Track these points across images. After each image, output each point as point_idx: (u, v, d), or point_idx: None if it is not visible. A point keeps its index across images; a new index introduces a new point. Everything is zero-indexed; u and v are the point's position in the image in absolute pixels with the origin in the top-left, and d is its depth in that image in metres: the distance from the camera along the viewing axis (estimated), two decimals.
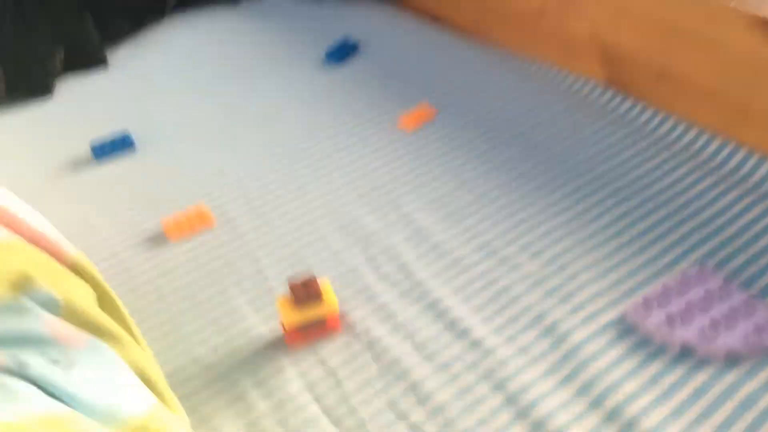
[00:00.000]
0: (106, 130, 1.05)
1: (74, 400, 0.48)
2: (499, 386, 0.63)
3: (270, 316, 0.73)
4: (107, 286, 0.60)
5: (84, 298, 0.60)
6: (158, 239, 0.85)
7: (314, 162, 0.95)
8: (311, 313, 0.67)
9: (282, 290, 0.75)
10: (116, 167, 0.99)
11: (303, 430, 0.61)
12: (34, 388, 0.46)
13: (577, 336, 0.66)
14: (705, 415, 0.58)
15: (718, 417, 0.58)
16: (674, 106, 0.92)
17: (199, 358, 0.69)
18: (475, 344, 0.67)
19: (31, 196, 0.64)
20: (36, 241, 0.62)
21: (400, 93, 1.07)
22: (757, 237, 0.74)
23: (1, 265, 0.55)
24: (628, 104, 0.97)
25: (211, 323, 0.73)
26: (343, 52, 1.18)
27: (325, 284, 0.69)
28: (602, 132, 0.93)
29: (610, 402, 0.60)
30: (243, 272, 0.79)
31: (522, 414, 0.60)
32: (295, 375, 0.66)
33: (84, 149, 1.02)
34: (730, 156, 0.85)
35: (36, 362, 0.49)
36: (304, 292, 0.66)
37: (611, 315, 0.68)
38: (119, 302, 0.60)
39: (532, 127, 0.96)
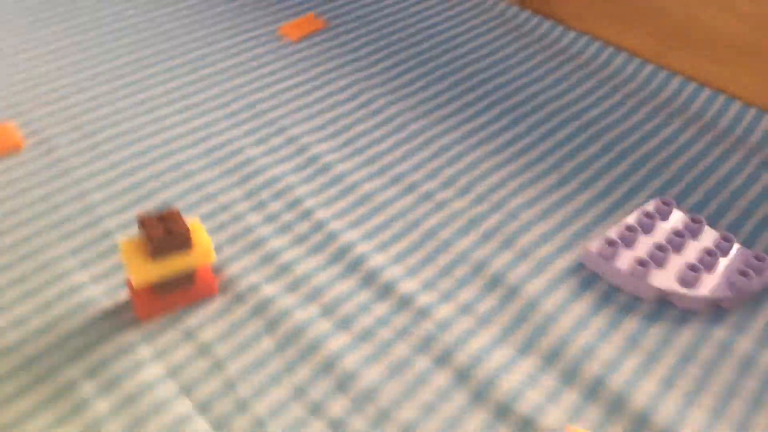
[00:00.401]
0: None
1: None
2: (442, 359, 0.47)
3: (107, 273, 0.51)
4: None
5: None
6: None
7: (165, 70, 0.72)
8: (174, 265, 0.46)
9: (126, 234, 0.53)
10: None
11: None
12: None
13: (530, 289, 0.52)
14: (703, 380, 0.46)
15: (717, 383, 0.46)
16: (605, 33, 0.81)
17: (2, 332, 0.46)
18: (404, 303, 0.50)
19: None
20: None
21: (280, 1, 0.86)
22: (709, 171, 0.64)
23: None
24: (548, 24, 0.83)
25: (18, 282, 0.49)
26: None
27: (195, 224, 0.48)
28: (523, 52, 0.79)
29: (588, 372, 0.46)
30: (63, 211, 0.55)
31: (480, 395, 0.44)
32: (150, 356, 0.45)
33: None
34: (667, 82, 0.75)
35: None
36: (164, 233, 0.45)
37: (566, 261, 0.54)
38: None
39: (443, 44, 0.80)
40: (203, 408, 0.43)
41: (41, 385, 0.43)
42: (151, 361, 0.45)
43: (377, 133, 0.66)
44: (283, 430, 0.42)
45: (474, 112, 0.69)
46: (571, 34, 0.80)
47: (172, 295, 0.48)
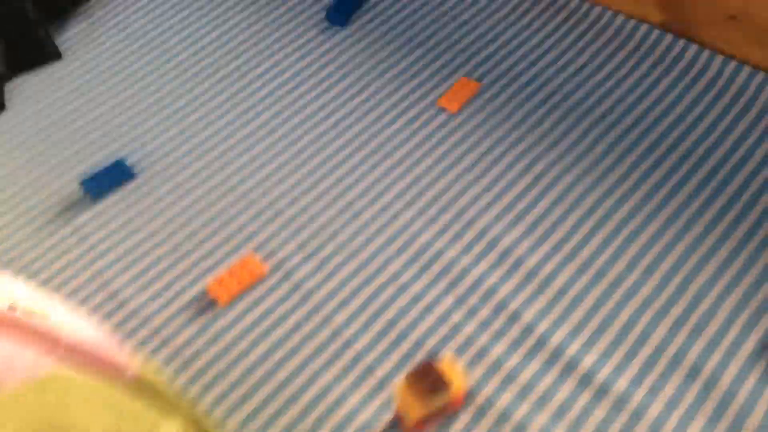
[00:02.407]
0: (88, 149, 0.85)
1: None
2: None
3: (366, 399, 0.64)
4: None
5: None
6: (207, 305, 0.71)
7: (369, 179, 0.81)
8: (439, 401, 0.58)
9: (373, 353, 0.66)
10: (117, 202, 0.82)
11: None
12: None
13: (726, 378, 0.61)
14: None
15: None
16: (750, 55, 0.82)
17: None
18: (620, 403, 0.60)
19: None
20: (84, 358, 0.51)
21: (430, 62, 0.91)
22: None
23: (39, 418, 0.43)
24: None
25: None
26: (348, 5, 0.93)
27: (451, 365, 0.59)
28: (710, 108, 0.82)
29: None
30: (318, 337, 0.68)
31: None
32: None
33: (70, 182, 0.83)
34: None
35: None
36: (431, 387, 0.57)
37: (752, 342, 0.62)
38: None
39: (607, 95, 0.84)
40: None
41: None
42: None
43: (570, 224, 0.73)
44: None
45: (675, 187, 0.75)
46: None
47: (433, 418, 0.60)
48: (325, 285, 0.71)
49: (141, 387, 0.56)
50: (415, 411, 0.57)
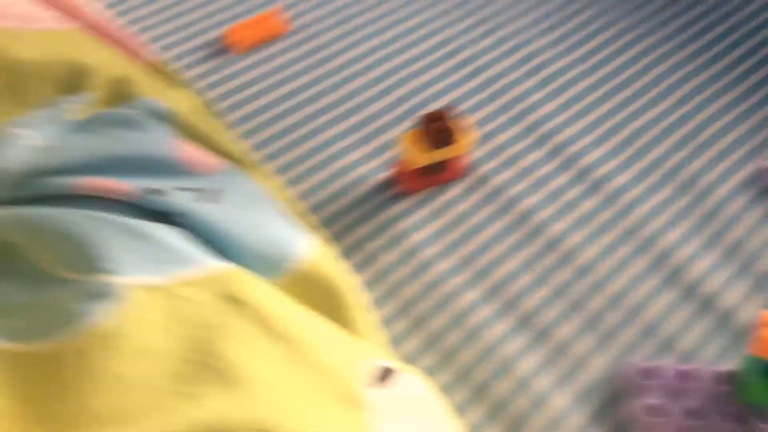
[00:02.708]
0: None
1: (230, 243, 0.41)
2: (644, 247, 0.59)
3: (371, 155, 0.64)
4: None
5: (194, 111, 0.51)
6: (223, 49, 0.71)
7: None
8: (442, 154, 0.58)
9: (386, 121, 0.66)
10: None
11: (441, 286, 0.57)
12: (183, 240, 0.38)
13: (718, 194, 0.62)
14: None
15: None
16: None
17: (302, 197, 0.61)
18: (614, 197, 0.62)
19: None
20: (106, 34, 0.52)
21: None
22: None
23: (75, 54, 0.44)
24: None
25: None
26: None
27: (461, 123, 0.59)
28: None
29: (760, 266, 0.58)
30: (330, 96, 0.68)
31: (673, 276, 0.57)
32: (417, 222, 0.60)
33: None
34: None
35: (177, 195, 0.41)
36: (440, 131, 0.57)
37: (748, 170, 0.64)
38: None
39: None
40: (462, 265, 0.58)
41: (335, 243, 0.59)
42: (418, 228, 0.60)
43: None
44: (516, 293, 0.56)
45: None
46: None
47: (431, 177, 0.61)
48: (348, 51, 0.71)
49: (153, 71, 0.55)
50: (418, 159, 0.58)
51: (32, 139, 0.41)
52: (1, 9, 0.45)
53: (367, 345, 0.43)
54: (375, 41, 0.72)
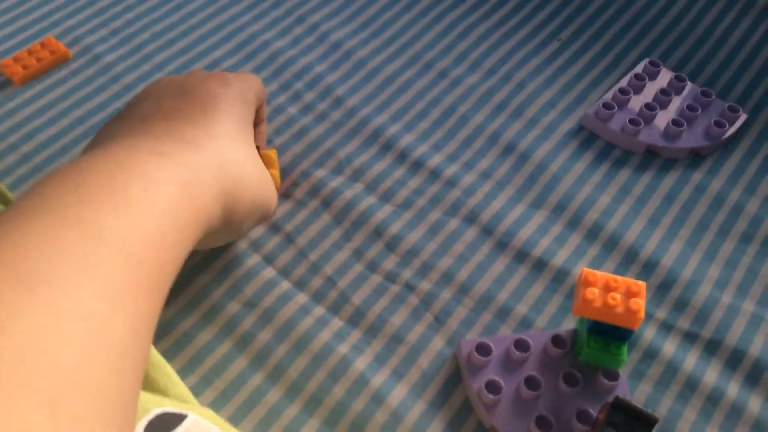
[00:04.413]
0: None
1: None
2: (470, 218, 0.57)
3: None
4: None
5: None
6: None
7: None
8: None
9: None
10: None
11: (263, 296, 0.52)
12: None
13: (540, 153, 0.61)
14: (681, 218, 0.57)
15: (693, 219, 0.57)
16: None
17: None
18: (434, 176, 0.59)
19: None
20: None
21: None
22: (693, 25, 0.71)
23: None
24: None
25: None
26: None
27: (269, 156, 0.55)
28: None
29: (589, 220, 0.57)
30: None
31: (502, 244, 0.55)
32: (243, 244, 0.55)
33: None
34: None
35: None
36: None
37: (569, 124, 0.63)
38: None
39: None
40: (284, 272, 0.53)
41: None
42: (238, 241, 0.55)
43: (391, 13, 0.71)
44: (349, 283, 0.53)
45: None
46: None
47: None
48: (137, 69, 0.66)
49: None
50: None
51: None
52: None
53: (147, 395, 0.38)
54: (161, 56, 0.67)
